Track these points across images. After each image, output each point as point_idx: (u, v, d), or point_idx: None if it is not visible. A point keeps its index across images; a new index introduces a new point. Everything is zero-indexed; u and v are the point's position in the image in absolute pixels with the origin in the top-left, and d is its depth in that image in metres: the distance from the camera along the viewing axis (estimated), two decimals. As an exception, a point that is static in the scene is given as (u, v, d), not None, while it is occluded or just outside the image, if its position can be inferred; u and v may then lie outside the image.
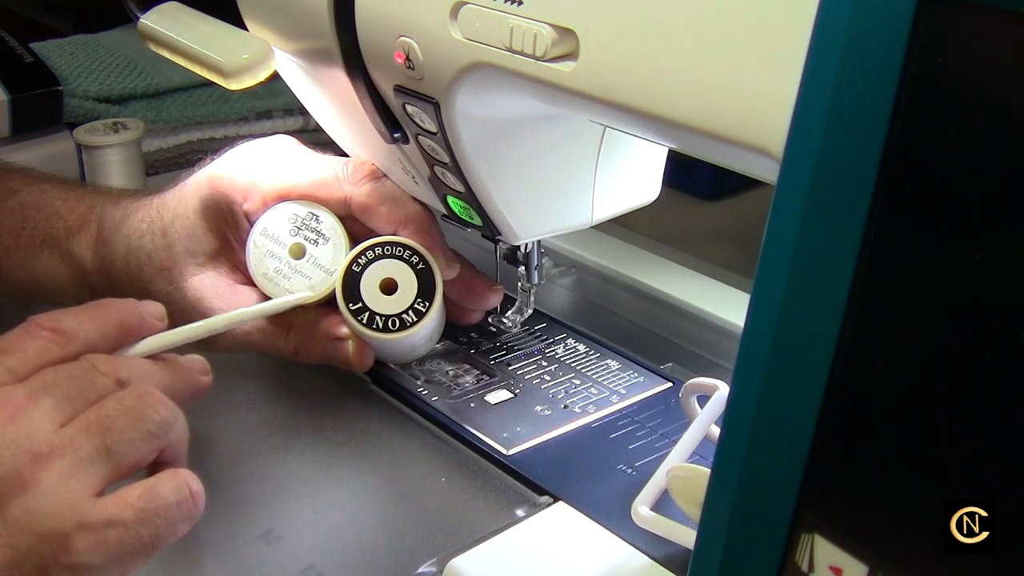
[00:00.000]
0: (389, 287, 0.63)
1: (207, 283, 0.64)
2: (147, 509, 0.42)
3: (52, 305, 0.49)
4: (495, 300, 0.69)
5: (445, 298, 0.66)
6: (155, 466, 0.45)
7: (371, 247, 0.63)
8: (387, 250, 0.63)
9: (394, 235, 0.63)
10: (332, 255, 0.63)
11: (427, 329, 0.63)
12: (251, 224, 0.64)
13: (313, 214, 0.64)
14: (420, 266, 0.63)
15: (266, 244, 0.63)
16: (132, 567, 0.43)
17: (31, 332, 0.45)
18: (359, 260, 0.63)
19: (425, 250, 0.63)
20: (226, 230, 0.64)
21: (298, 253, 0.64)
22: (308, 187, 0.64)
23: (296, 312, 0.64)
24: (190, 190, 0.65)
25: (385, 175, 0.65)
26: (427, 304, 0.62)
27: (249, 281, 0.64)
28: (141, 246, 0.64)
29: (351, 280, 0.62)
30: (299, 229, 0.63)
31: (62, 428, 0.42)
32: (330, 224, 0.64)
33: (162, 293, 0.64)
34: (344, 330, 0.63)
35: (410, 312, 0.62)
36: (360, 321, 0.62)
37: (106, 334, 0.47)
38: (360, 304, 0.62)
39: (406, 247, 0.63)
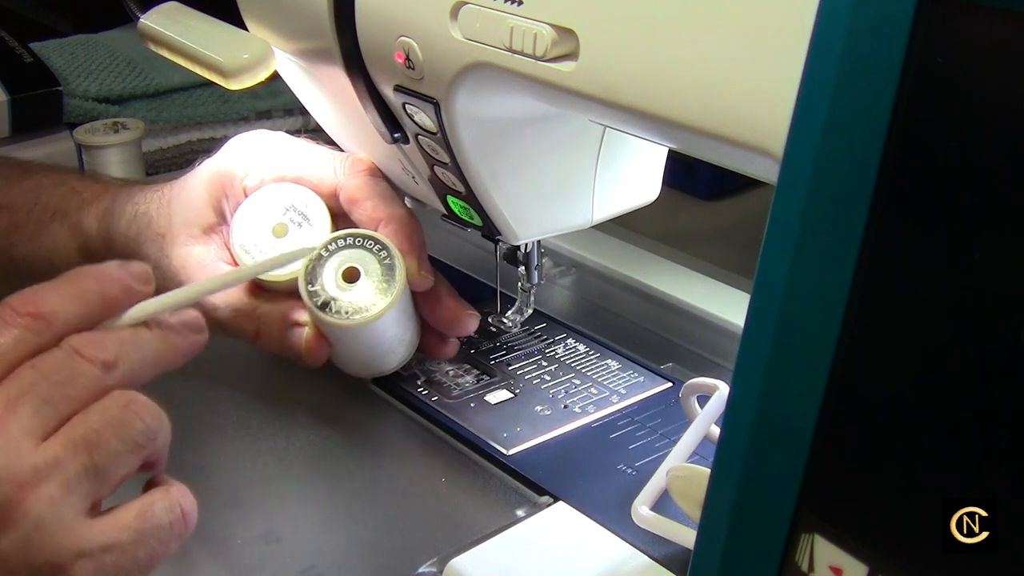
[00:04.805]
0: (351, 276, 0.61)
1: (194, 255, 0.64)
2: (142, 531, 0.41)
3: None
4: (470, 325, 0.66)
5: (424, 327, 0.65)
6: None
7: (344, 236, 0.61)
8: (358, 241, 0.61)
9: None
10: (313, 240, 0.63)
11: (384, 327, 0.61)
12: None
13: (304, 199, 0.64)
14: (387, 261, 0.61)
15: (251, 218, 0.63)
16: None
17: (6, 319, 0.41)
18: (329, 247, 0.61)
19: (396, 249, 0.61)
20: (224, 205, 0.65)
21: (280, 233, 0.63)
22: (305, 172, 0.64)
23: (263, 296, 0.64)
24: (200, 167, 0.66)
25: (384, 175, 0.65)
26: (384, 298, 0.60)
27: (235, 263, 0.64)
28: (146, 211, 0.66)
29: (316, 264, 0.61)
30: (287, 210, 0.63)
31: (44, 444, 0.39)
32: (318, 211, 0.64)
33: (150, 258, 0.64)
34: (303, 316, 0.62)
35: (365, 303, 0.60)
36: (315, 304, 0.60)
37: (89, 311, 0.43)
38: (318, 287, 0.61)
39: (378, 241, 0.61)
